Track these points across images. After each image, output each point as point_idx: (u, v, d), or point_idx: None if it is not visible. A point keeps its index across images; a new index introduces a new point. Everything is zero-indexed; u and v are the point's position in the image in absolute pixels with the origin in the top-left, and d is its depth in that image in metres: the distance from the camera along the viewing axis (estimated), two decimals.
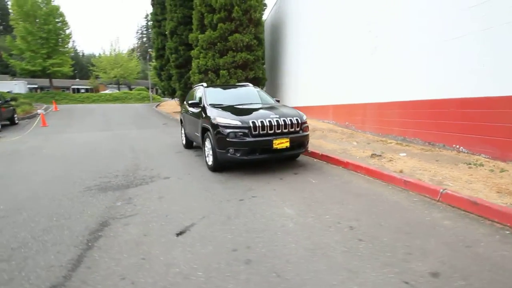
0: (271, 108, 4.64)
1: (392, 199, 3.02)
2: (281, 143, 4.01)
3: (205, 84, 5.66)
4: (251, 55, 12.82)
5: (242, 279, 1.74)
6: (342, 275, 1.74)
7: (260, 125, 3.93)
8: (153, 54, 20.35)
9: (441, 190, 2.90)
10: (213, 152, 4.23)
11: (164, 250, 2.12)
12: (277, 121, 4.03)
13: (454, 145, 4.55)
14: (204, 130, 4.65)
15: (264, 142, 3.93)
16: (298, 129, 4.26)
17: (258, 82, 13.59)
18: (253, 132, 3.92)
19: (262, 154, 4.00)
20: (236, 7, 12.17)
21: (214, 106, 4.77)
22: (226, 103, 4.98)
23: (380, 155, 4.84)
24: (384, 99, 6.16)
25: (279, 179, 3.92)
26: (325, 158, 4.93)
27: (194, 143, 6.71)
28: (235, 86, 5.79)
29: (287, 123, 4.11)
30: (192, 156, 5.83)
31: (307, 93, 10.74)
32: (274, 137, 3.98)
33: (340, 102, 7.96)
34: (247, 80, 13.11)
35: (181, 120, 7.02)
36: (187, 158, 5.64)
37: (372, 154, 4.91)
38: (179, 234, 2.38)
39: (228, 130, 3.94)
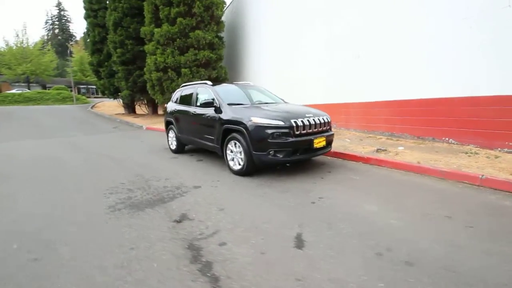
0: (293, 107, 4.58)
1: (444, 188, 3.35)
2: (319, 142, 4.00)
3: (209, 83, 5.21)
4: (214, 54, 12.39)
5: (427, 282, 1.67)
6: (498, 257, 1.86)
7: (301, 124, 3.84)
8: (89, 48, 17.60)
9: (480, 176, 3.35)
10: (246, 155, 3.92)
11: (306, 266, 1.87)
12: (313, 120, 4.00)
13: (443, 138, 5.30)
14: (228, 132, 4.28)
15: (306, 142, 3.85)
16: (328, 127, 4.32)
17: (220, 82, 13.24)
18: (295, 132, 3.80)
19: (303, 154, 3.91)
20: (198, 2, 11.60)
21: (233, 105, 4.45)
22: (241, 102, 4.71)
23: (385, 150, 5.28)
24: (369, 99, 6.74)
25: (321, 178, 3.89)
26: (339, 155, 5.12)
27: (187, 146, 6.16)
28: (239, 85, 5.48)
29: (321, 122, 4.12)
30: (193, 161, 5.29)
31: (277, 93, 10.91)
32: (313, 136, 3.95)
33: (319, 102, 8.35)
34: (209, 79, 12.64)
35: (169, 122, 6.30)
36: (191, 164, 5.09)
37: (378, 149, 5.33)
38: (299, 246, 2.14)
39: (270, 131, 3.72)
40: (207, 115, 4.77)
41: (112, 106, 21.14)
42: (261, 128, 3.75)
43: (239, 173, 4.14)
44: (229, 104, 4.47)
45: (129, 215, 2.82)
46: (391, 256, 1.96)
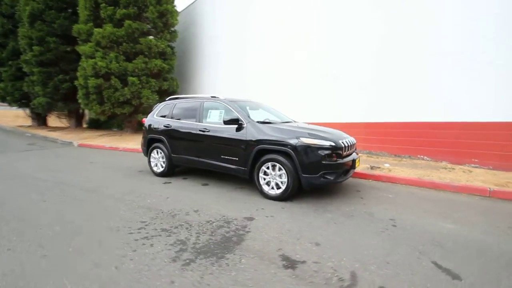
0: (321, 127, 4.50)
1: (469, 201, 3.83)
2: (357, 163, 4.05)
3: (222, 97, 4.65)
4: (166, 64, 11.40)
5: None
6: None
7: (346, 145, 3.81)
8: None
9: (489, 188, 4.01)
10: (291, 178, 3.59)
11: None
12: (349, 141, 4.04)
13: (419, 156, 6.18)
14: (261, 153, 3.86)
15: (350, 163, 3.82)
16: (355, 148, 4.43)
17: (171, 95, 12.23)
18: (344, 153, 3.74)
19: (346, 175, 3.86)
20: (151, 7, 10.58)
21: (265, 124, 4.09)
22: (257, 119, 4.39)
23: (379, 167, 5.78)
24: (346, 120, 7.33)
25: (360, 198, 3.91)
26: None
27: (177, 169, 5.29)
28: (246, 101, 5.05)
29: (354, 143, 4.20)
30: (198, 186, 4.55)
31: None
32: (353, 157, 3.97)
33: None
34: (160, 91, 11.52)
35: (153, 140, 5.30)
36: (198, 189, 4.34)
37: (372, 166, 5.77)
38: (457, 277, 2.02)
39: (323, 152, 3.53)
40: (227, 133, 4.21)
41: (8, 116, 16.50)
42: (313, 149, 3.53)
43: (277, 198, 3.75)
44: (259, 122, 4.09)
45: (218, 267, 2.12)
46: None
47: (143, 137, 5.62)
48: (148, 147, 5.40)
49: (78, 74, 10.54)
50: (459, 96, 5.61)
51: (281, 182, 3.73)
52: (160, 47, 10.96)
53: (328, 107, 7.67)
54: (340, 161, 3.66)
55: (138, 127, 12.87)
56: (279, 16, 8.90)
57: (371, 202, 3.74)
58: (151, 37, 10.98)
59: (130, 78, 10.35)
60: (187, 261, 2.23)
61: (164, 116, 5.23)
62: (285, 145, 3.65)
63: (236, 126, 4.13)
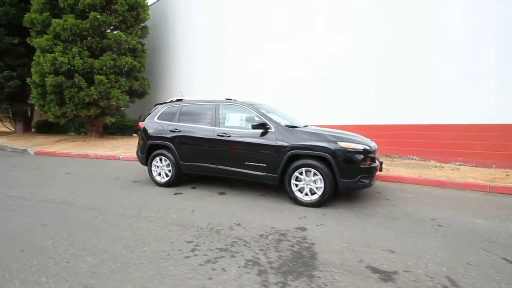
0: (343, 131, 4.52)
1: (479, 197, 4.21)
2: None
3: (239, 99, 4.37)
4: (137, 62, 10.52)
5: None
6: None
7: (375, 149, 3.89)
8: None
9: (489, 184, 4.47)
10: (328, 183, 3.52)
11: None
12: (375, 145, 4.13)
13: (408, 156, 6.67)
14: (293, 159, 3.72)
15: (378, 166, 3.91)
16: None
17: (141, 96, 11.34)
18: (375, 156, 3.81)
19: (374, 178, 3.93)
20: None
21: (295, 128, 3.99)
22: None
23: None
24: (339, 123, 7.56)
25: (386, 200, 4.03)
26: None
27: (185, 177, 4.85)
28: (260, 104, 4.81)
29: (377, 147, 4.31)
30: (215, 195, 4.23)
31: None
32: (379, 160, 4.07)
33: None
34: (131, 91, 10.57)
35: (155, 146, 4.77)
36: (217, 199, 4.02)
37: None
38: None
39: (360, 156, 3.54)
40: (252, 138, 3.97)
41: None
42: (352, 153, 3.52)
43: (312, 204, 3.64)
44: (288, 126, 3.96)
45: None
46: None
47: (139, 144, 5.02)
48: (148, 154, 4.84)
49: (32, 70, 9.06)
50: (443, 101, 6.19)
51: (316, 188, 3.63)
52: (131, 43, 10.05)
53: (324, 110, 7.83)
54: (374, 164, 3.72)
55: (104, 131, 11.59)
56: (265, 13, 8.81)
57: (399, 203, 3.87)
58: (120, 32, 9.96)
59: (97, 77, 9.25)
60: (280, 284, 1.99)
61: (168, 120, 4.74)
62: (323, 149, 3.57)
63: (260, 131, 3.93)
